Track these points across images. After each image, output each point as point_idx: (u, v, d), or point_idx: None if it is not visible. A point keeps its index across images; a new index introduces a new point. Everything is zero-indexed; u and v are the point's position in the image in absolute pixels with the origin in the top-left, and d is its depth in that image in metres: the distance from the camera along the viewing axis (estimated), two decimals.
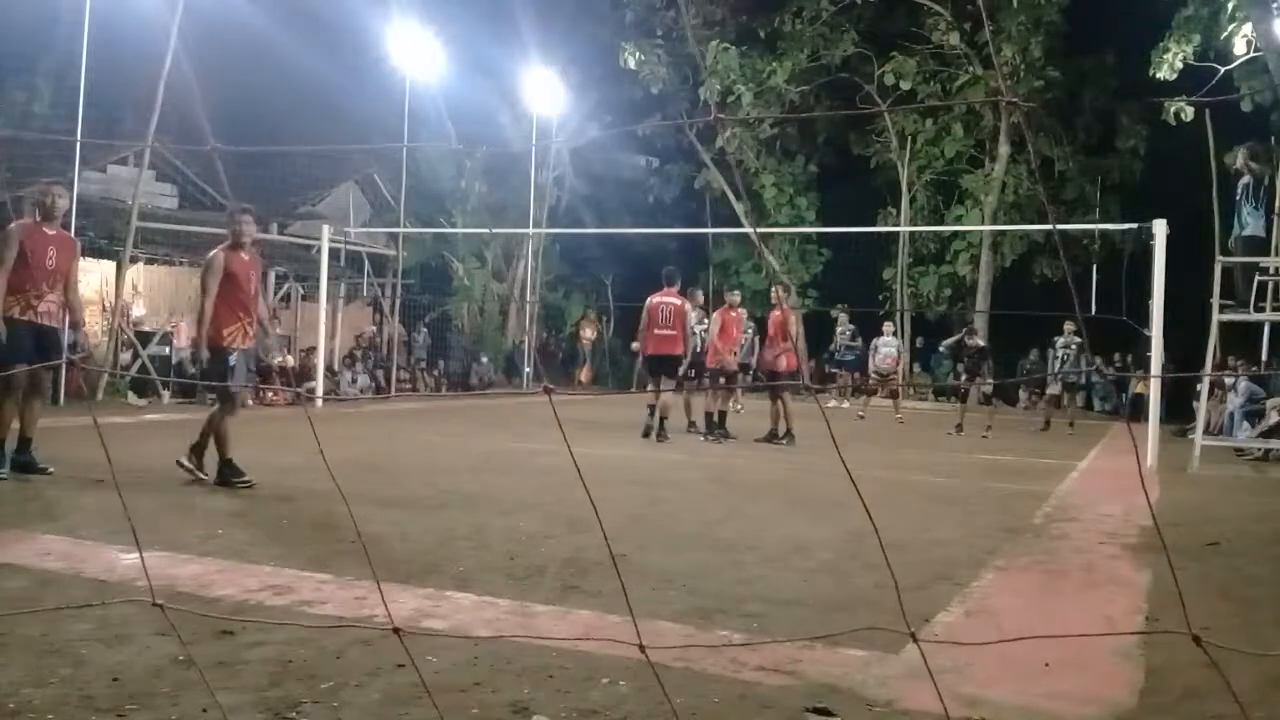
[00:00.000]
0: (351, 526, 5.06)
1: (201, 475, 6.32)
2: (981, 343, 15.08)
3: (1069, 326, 14.50)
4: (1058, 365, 14.86)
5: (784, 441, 10.57)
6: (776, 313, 11.66)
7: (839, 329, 17.79)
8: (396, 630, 1.73)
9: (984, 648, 3.20)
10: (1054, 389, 15.23)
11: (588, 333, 23.83)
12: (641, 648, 1.59)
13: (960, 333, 14.87)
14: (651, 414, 10.57)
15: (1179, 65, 15.92)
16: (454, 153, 21.44)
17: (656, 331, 10.59)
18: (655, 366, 10.78)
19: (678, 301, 10.62)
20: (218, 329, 6.33)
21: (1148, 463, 9.48)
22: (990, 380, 14.82)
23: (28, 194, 8.88)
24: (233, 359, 6.36)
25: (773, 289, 11.81)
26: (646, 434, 10.46)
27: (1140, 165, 22.38)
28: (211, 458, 6.34)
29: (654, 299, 10.70)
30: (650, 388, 10.87)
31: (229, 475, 6.19)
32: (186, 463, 6.37)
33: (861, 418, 15.48)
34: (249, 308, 6.45)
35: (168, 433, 9.91)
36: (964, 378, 14.70)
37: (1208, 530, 5.88)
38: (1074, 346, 14.51)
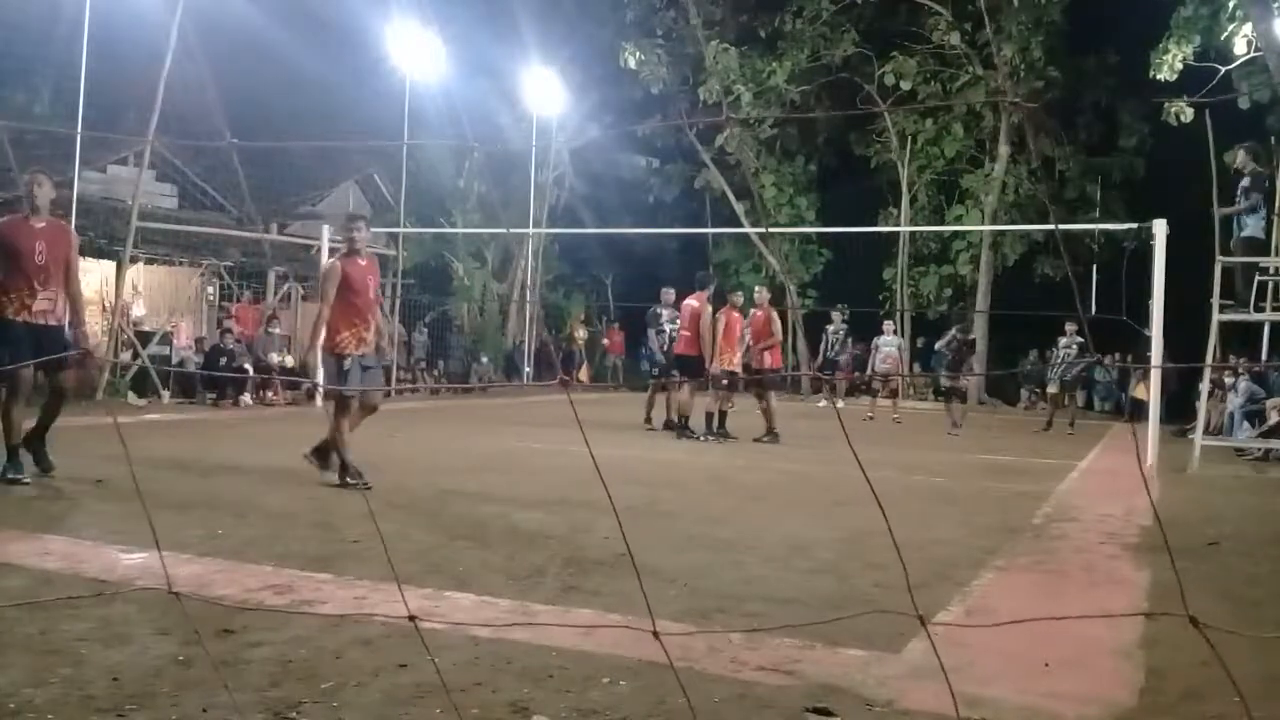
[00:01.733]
0: (351, 526, 5.06)
1: (327, 474, 6.37)
2: (970, 336, 15.18)
3: (1070, 327, 14.66)
4: (1059, 364, 14.99)
5: (766, 440, 10.66)
6: (758, 313, 11.75)
7: (831, 328, 17.76)
8: (412, 618, 1.73)
9: (985, 649, 3.20)
10: (1052, 388, 15.30)
11: (579, 334, 23.88)
12: (655, 634, 1.59)
13: (952, 331, 14.83)
14: (706, 416, 10.98)
15: (1179, 66, 15.92)
16: (454, 152, 21.45)
17: (682, 333, 11.17)
18: (677, 366, 11.37)
19: (695, 304, 11.03)
20: (331, 336, 6.35)
21: (1148, 462, 9.48)
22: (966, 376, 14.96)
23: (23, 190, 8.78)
24: (347, 363, 6.36)
25: (756, 289, 11.87)
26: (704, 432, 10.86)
27: (1142, 164, 22.40)
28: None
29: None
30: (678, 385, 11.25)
31: (343, 476, 6.28)
32: (311, 460, 6.42)
33: (871, 418, 15.49)
34: (365, 315, 6.43)
35: (168, 433, 9.92)
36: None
37: (1208, 530, 5.88)
38: (1075, 347, 14.61)
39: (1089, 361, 15.49)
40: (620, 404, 15.90)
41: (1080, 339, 14.65)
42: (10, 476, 5.86)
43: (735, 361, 11.14)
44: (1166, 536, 5.57)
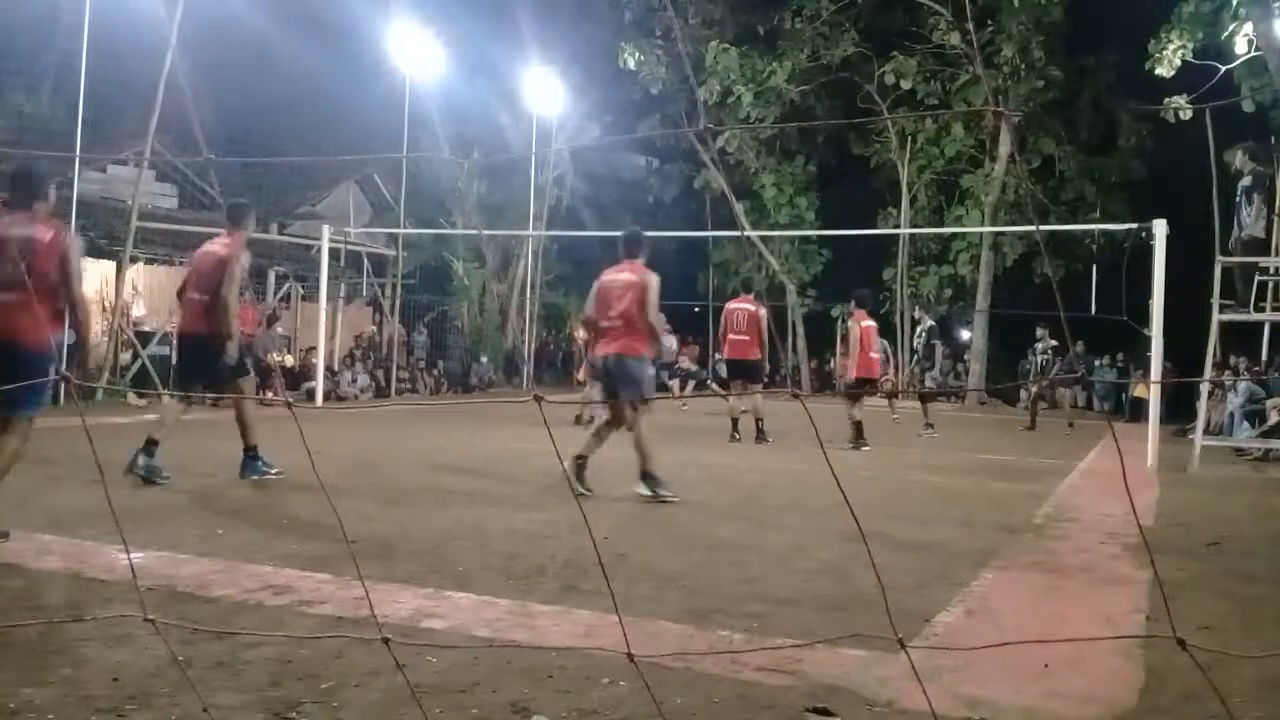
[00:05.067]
0: (353, 526, 5.05)
1: (666, 496, 6.28)
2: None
3: (1041, 331, 14.89)
4: (1037, 369, 15.23)
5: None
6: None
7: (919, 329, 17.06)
8: (386, 640, 1.73)
9: (984, 649, 3.20)
10: (1034, 388, 15.54)
11: (580, 333, 23.88)
12: (630, 656, 1.59)
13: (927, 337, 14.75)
14: (735, 424, 10.83)
15: (1178, 61, 15.90)
16: (454, 154, 21.47)
17: (732, 336, 10.84)
18: (733, 371, 11.14)
19: (752, 307, 10.87)
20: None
21: (1148, 463, 9.48)
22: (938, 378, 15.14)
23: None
24: (651, 369, 6.63)
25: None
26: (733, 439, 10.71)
27: (1142, 164, 22.40)
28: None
29: (730, 305, 11.06)
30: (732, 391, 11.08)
31: (653, 487, 6.27)
32: (648, 490, 6.30)
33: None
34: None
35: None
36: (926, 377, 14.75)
37: (1208, 530, 5.88)
38: (1050, 352, 14.88)
39: (1066, 377, 15.58)
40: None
41: (1054, 342, 14.83)
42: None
43: (875, 370, 10.91)
44: (1165, 537, 5.58)
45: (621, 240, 6.65)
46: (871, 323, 11.04)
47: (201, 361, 6.39)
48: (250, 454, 6.47)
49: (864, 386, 10.83)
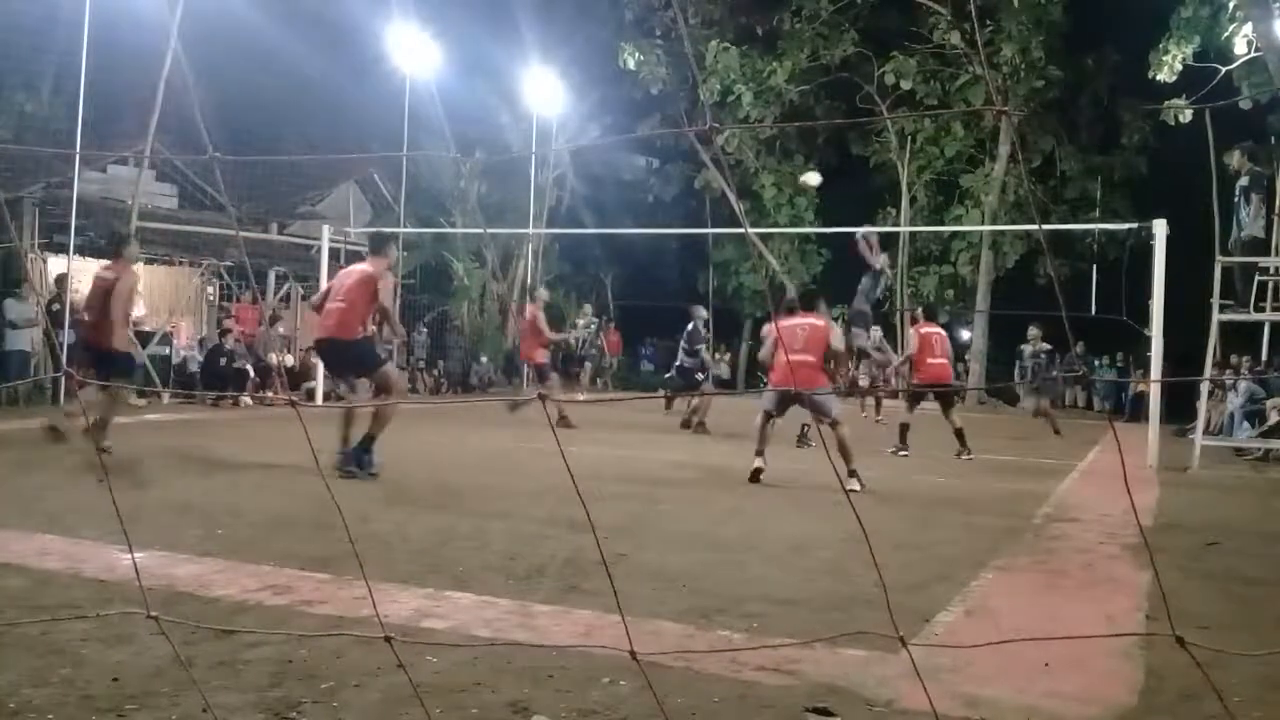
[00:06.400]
0: (352, 526, 5.05)
1: (857, 489, 6.79)
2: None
3: (1034, 333, 14.23)
4: (1029, 375, 14.66)
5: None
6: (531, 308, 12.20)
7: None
8: (388, 639, 1.73)
9: (984, 648, 3.20)
10: (1028, 403, 14.93)
11: (576, 331, 23.86)
12: (633, 654, 1.58)
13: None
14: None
15: (1178, 67, 15.94)
16: (457, 157, 21.50)
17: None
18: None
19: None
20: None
21: (1148, 462, 9.48)
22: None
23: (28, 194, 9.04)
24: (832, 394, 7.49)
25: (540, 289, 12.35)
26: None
27: (1144, 163, 22.42)
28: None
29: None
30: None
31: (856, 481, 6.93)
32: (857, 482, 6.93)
33: (865, 417, 15.50)
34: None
35: (168, 432, 9.91)
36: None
37: (1208, 530, 5.88)
38: (1043, 355, 14.30)
39: (1064, 374, 15.25)
40: (621, 405, 15.88)
41: (1048, 346, 14.23)
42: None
43: (940, 374, 10.38)
44: (1166, 537, 5.58)
45: (799, 298, 8.07)
46: (934, 330, 10.55)
47: (348, 358, 7.09)
48: (365, 444, 6.72)
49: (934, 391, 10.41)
